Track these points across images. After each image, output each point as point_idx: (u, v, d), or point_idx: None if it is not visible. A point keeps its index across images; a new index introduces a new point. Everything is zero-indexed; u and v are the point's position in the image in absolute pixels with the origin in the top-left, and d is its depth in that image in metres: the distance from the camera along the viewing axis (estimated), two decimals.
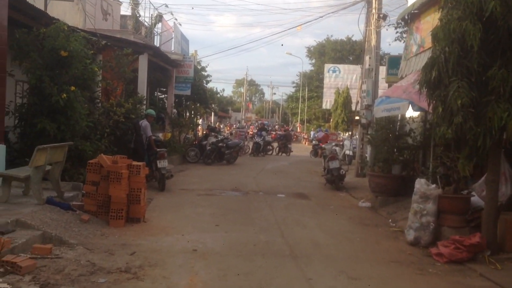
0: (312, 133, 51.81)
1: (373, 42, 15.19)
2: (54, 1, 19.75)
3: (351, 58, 64.05)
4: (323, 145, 15.31)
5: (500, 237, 6.90)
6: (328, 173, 14.01)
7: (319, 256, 6.69)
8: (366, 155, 15.84)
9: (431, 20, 9.73)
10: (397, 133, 11.10)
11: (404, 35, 11.66)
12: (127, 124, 12.92)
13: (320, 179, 16.02)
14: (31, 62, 9.19)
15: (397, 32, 11.64)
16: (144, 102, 14.71)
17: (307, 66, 67.39)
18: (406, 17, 11.10)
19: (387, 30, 14.89)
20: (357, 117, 20.00)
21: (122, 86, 13.91)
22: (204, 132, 24.24)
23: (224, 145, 19.52)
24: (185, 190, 12.18)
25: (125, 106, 11.16)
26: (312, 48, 68.88)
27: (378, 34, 15.18)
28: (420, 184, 7.71)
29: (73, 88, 9.26)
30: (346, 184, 14.19)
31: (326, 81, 56.89)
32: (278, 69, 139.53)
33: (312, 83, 62.66)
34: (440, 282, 5.90)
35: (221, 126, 50.53)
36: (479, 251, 6.65)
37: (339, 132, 45.30)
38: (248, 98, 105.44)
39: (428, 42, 9.75)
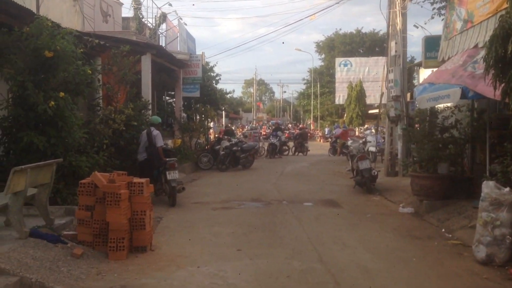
0: (326, 129, 50.24)
1: (398, 26, 13.62)
2: (50, 4, 18.56)
3: (361, 50, 62.39)
4: (348, 143, 13.78)
5: None
6: (357, 175, 12.51)
7: None
8: (397, 151, 14.32)
9: None
10: (440, 125, 9.54)
11: (443, 12, 10.10)
12: (131, 133, 11.59)
13: (347, 181, 14.53)
14: (12, 67, 7.84)
15: (434, 9, 9.98)
16: (149, 107, 13.33)
17: (316, 62, 65.84)
18: None
19: (421, 7, 13.23)
20: (372, 111, 18.48)
21: (124, 91, 12.55)
22: (217, 136, 22.86)
23: (239, 148, 18.10)
24: (199, 204, 10.76)
25: (126, 112, 9.77)
26: (321, 43, 67.23)
27: (404, 16, 13.60)
28: (490, 188, 6.19)
29: (62, 94, 7.89)
30: (377, 185, 12.67)
31: (337, 75, 55.24)
32: (286, 67, 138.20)
33: (323, 79, 61.07)
34: None
35: (233, 127, 49.11)
36: None
37: (357, 127, 43.67)
38: (258, 98, 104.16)
39: (479, 16, 8.24)
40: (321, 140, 46.11)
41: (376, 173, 12.16)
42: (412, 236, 7.68)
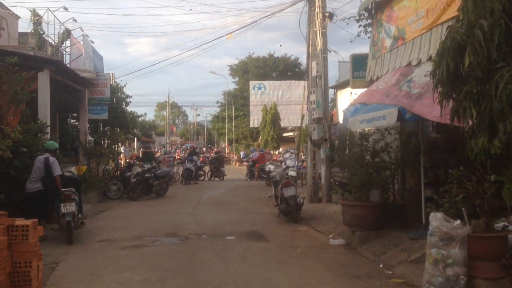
0: (242, 153, 49.69)
1: (319, 46, 13.19)
2: None
3: (274, 74, 63.19)
4: (269, 167, 12.99)
5: None
6: (281, 203, 11.66)
7: None
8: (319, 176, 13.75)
9: (413, 3, 7.79)
10: (371, 149, 8.96)
11: (369, 29, 9.68)
12: (23, 160, 9.88)
13: (269, 208, 13.67)
14: None
15: (360, 26, 9.50)
16: (47, 130, 11.61)
17: (230, 85, 65.58)
18: (370, 6, 9.15)
19: (347, 24, 12.88)
20: (287, 134, 18.01)
21: (16, 112, 10.79)
22: (127, 161, 21.16)
23: (152, 175, 16.64)
24: (105, 242, 9.27)
25: (12, 137, 8.11)
26: (234, 66, 67.29)
27: (324, 35, 13.21)
28: (438, 220, 5.53)
29: None
30: (302, 213, 11.90)
31: (252, 98, 55.31)
32: (199, 90, 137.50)
33: (237, 102, 60.86)
34: None
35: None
36: None
37: (272, 150, 43.56)
38: (171, 121, 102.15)
39: (412, 32, 7.78)
40: (237, 163, 45.34)
41: (301, 200, 11.39)
42: (350, 275, 6.85)
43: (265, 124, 50.11)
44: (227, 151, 57.47)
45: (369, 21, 9.47)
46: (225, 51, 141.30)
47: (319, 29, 13.06)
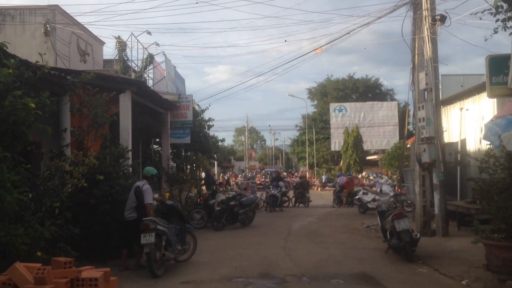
0: (323, 177, 47.71)
1: (428, 54, 11.37)
2: (18, 40, 16.28)
3: (354, 96, 61.09)
4: (377, 197, 11.23)
5: None
6: (392, 237, 9.83)
7: None
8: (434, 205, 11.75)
9: None
10: None
11: (509, 25, 7.84)
12: (102, 189, 8.97)
13: (372, 241, 11.93)
14: None
15: (497, 20, 7.65)
16: (128, 155, 10.74)
17: (309, 108, 64.16)
18: None
19: (480, 18, 11.05)
20: (370, 157, 16.03)
21: (97, 135, 10.00)
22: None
23: (237, 203, 15.40)
24: (190, 284, 7.98)
25: (86, 162, 7.11)
26: (313, 89, 65.99)
27: (434, 42, 11.37)
28: None
29: None
30: (416, 249, 9.97)
31: (332, 121, 53.51)
32: (277, 114, 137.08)
33: (317, 125, 59.22)
34: None
35: (225, 177, 46.37)
36: None
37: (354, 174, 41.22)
38: (249, 146, 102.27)
39: None
40: (319, 188, 43.41)
41: (418, 235, 9.49)
42: None
43: (347, 147, 48.01)
44: (308, 175, 55.75)
45: (508, 14, 7.62)
46: (300, 76, 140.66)
47: (428, 35, 11.26)
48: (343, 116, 53.50)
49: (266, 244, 11.94)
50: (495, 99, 12.42)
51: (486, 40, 8.49)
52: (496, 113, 12.23)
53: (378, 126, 53.34)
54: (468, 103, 14.20)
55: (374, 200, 11.02)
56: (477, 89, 13.61)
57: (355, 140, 47.59)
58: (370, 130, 52.80)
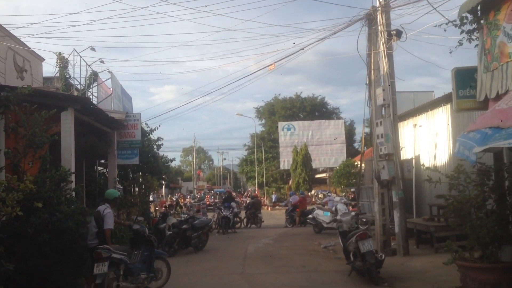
0: (273, 196, 47.38)
1: (385, 69, 11.25)
2: None
3: (301, 115, 61.71)
4: (338, 217, 10.83)
5: None
6: (355, 259, 9.43)
7: None
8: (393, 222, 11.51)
9: None
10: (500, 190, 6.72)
11: (474, 37, 7.71)
12: (41, 216, 8.02)
13: (332, 263, 11.53)
14: None
15: (462, 32, 7.51)
16: (71, 179, 9.76)
17: (257, 127, 64.03)
18: (476, 6, 7.20)
19: (445, 30, 10.97)
20: (319, 175, 15.85)
21: (35, 157, 9.02)
22: (162, 210, 19.22)
23: (190, 226, 14.62)
24: None
25: (21, 188, 6.19)
26: (261, 108, 66.14)
27: (390, 57, 11.28)
28: None
29: None
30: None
31: (281, 139, 53.70)
32: (223, 134, 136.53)
33: (265, 144, 59.18)
34: None
35: (173, 198, 45.03)
36: None
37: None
38: (197, 166, 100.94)
39: None
40: (269, 208, 42.96)
41: (383, 257, 9.13)
42: None
43: (296, 166, 48.10)
44: (258, 194, 55.33)
45: (474, 25, 7.51)
46: (247, 95, 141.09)
47: (384, 50, 11.15)
48: (292, 135, 53.85)
49: (224, 270, 11.25)
50: (449, 115, 12.48)
51: (450, 52, 8.41)
52: (450, 128, 12.30)
53: (326, 144, 54.03)
54: (421, 119, 14.25)
55: (335, 220, 10.60)
56: (430, 105, 13.69)
57: (303, 158, 47.81)
58: (318, 148, 53.39)
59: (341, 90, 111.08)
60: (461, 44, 8.06)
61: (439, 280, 8.48)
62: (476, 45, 7.81)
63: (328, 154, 53.80)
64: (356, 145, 64.51)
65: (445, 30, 8.39)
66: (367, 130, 15.08)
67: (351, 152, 55.43)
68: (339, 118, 61.69)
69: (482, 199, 6.73)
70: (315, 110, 63.17)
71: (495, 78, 7.27)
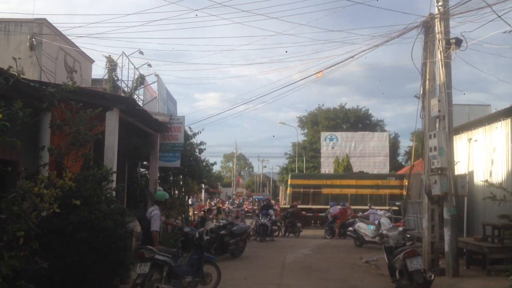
0: None
1: (441, 79, 10.66)
2: (3, 53, 15.37)
3: (345, 126, 60.82)
4: (384, 231, 10.31)
5: None
6: (401, 277, 8.89)
7: None
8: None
9: None
10: None
11: None
12: (81, 214, 7.96)
13: (375, 280, 10.99)
14: None
15: None
16: (112, 178, 9.71)
17: (299, 137, 63.46)
18: None
19: (509, 32, 10.34)
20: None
21: (78, 154, 9.02)
22: (201, 215, 19.10)
23: (228, 232, 14.38)
24: None
25: (59, 185, 6.07)
26: (304, 118, 65.62)
27: (448, 67, 10.68)
28: None
29: None
30: None
31: (323, 149, 52.95)
32: (265, 142, 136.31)
33: (306, 153, 58.59)
34: None
35: (212, 203, 45.05)
36: None
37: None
38: (237, 172, 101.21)
39: None
40: None
41: (432, 277, 8.55)
42: None
43: None
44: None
45: None
46: (289, 105, 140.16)
47: (441, 59, 10.58)
48: (334, 145, 53.00)
49: (261, 279, 10.92)
50: (508, 130, 11.73)
51: None
52: (510, 143, 11.53)
53: (369, 156, 52.88)
54: (477, 133, 13.49)
55: (381, 235, 10.05)
56: (488, 119, 12.93)
57: (345, 169, 46.89)
58: (361, 160, 52.30)
59: (385, 103, 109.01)
60: None
61: None
62: None
63: (371, 166, 52.54)
64: (400, 158, 63.04)
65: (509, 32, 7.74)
66: (411, 143, 14.43)
67: (395, 165, 54.08)
68: (383, 130, 60.44)
69: None
70: (358, 121, 62.19)
71: None
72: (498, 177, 11.65)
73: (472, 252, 11.71)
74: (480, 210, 12.98)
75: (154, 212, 8.85)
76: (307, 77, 14.92)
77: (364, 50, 11.85)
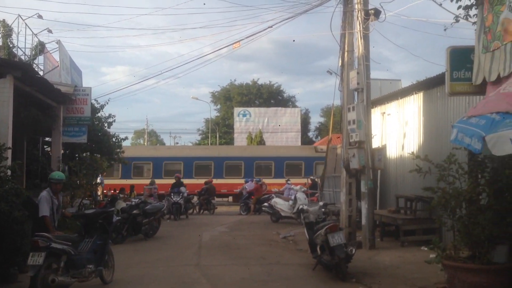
0: None
1: (360, 51, 10.57)
2: None
3: (258, 102, 61.08)
4: (304, 207, 10.10)
5: None
6: (323, 252, 8.75)
7: None
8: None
9: None
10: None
11: (473, 15, 7.08)
12: None
13: (294, 255, 10.90)
14: None
15: (459, 7, 6.87)
16: (6, 155, 8.53)
17: (212, 113, 62.76)
18: None
19: (440, 5, 10.05)
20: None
21: None
22: (110, 194, 17.95)
23: (141, 211, 13.56)
24: None
25: None
26: (217, 93, 64.89)
27: (366, 38, 10.60)
28: None
29: None
30: None
31: (236, 125, 52.89)
32: (176, 117, 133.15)
33: (219, 129, 58.20)
34: None
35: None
36: None
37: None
38: None
39: None
40: None
41: (353, 251, 8.48)
42: None
43: None
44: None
45: (472, 0, 6.88)
46: (201, 81, 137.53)
47: (360, 30, 10.47)
48: (247, 121, 53.14)
49: (177, 261, 10.33)
50: (420, 104, 12.01)
51: (445, 30, 7.77)
52: (422, 117, 11.82)
53: (281, 132, 53.62)
54: (390, 107, 13.76)
55: (302, 210, 9.84)
56: (401, 93, 13.19)
57: (258, 145, 47.23)
58: (274, 135, 52.89)
59: (295, 80, 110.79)
60: (457, 21, 7.44)
61: (413, 278, 7.94)
62: (474, 23, 7.21)
63: (283, 142, 53.34)
64: (310, 134, 64.71)
65: (440, 5, 7.68)
66: (321, 120, 14.43)
67: (306, 141, 55.38)
68: (294, 106, 61.48)
69: (476, 193, 6.15)
70: (271, 97, 62.75)
71: (495, 59, 6.66)
72: (410, 150, 11.94)
73: (386, 224, 12.01)
74: (392, 182, 13.34)
75: (41, 195, 7.82)
76: (223, 47, 14.26)
77: (285, 19, 11.41)
